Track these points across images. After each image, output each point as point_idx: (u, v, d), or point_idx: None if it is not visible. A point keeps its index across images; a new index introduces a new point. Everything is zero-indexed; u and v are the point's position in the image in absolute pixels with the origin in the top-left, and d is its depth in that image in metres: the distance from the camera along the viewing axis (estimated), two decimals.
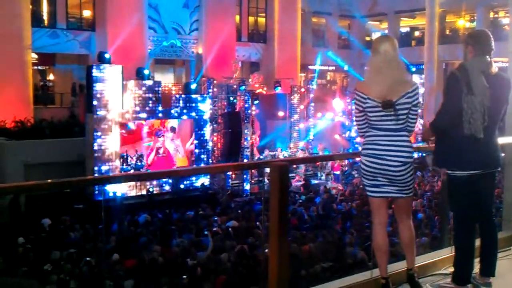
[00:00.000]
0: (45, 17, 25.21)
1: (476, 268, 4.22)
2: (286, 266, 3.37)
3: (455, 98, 3.94)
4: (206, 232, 12.34)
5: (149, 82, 19.21)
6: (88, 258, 10.69)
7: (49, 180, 3.14)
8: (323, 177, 23.72)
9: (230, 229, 13.51)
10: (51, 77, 27.82)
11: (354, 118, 4.08)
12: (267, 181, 3.85)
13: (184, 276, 9.27)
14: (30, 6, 22.63)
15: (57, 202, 15.28)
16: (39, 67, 27.01)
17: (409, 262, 4.09)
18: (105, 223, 13.80)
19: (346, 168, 23.87)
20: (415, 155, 4.06)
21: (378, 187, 3.96)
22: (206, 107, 20.25)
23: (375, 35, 38.26)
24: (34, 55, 24.20)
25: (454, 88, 3.98)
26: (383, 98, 3.84)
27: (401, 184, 3.93)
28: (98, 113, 17.61)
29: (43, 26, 24.54)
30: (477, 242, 4.21)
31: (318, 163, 23.40)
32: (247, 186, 21.04)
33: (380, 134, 3.92)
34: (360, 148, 4.14)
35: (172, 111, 19.60)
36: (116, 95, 17.92)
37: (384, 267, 4.04)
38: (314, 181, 22.70)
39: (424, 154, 21.39)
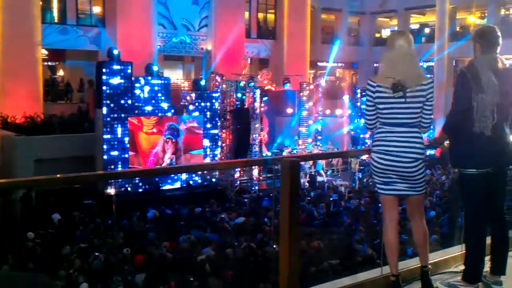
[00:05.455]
0: (55, 13, 25.31)
1: (487, 266, 4.20)
2: (297, 263, 3.36)
3: (465, 97, 3.92)
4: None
5: (158, 78, 19.28)
6: (97, 253, 10.73)
7: (58, 175, 3.14)
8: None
9: (235, 225, 13.55)
10: (61, 73, 27.95)
11: (364, 112, 4.01)
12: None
13: (192, 279, 9.27)
14: (40, 3, 22.71)
15: (66, 198, 15.39)
16: (49, 63, 27.14)
17: (423, 259, 4.07)
18: (114, 218, 13.86)
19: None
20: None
21: (390, 185, 3.94)
22: (215, 103, 20.35)
23: (385, 32, 38.19)
24: (44, 51, 24.32)
25: (464, 87, 3.96)
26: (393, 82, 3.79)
27: (413, 181, 3.90)
28: (107, 108, 17.70)
29: (53, 22, 24.64)
30: (488, 240, 4.18)
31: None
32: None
33: (391, 130, 3.88)
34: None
35: (182, 107, 19.69)
36: (125, 91, 17.99)
37: (394, 265, 4.03)
38: (320, 178, 22.71)
39: (432, 152, 21.35)
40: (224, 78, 22.35)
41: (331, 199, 17.32)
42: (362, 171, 22.73)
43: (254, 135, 21.95)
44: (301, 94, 24.90)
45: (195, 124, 19.97)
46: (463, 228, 4.32)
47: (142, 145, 18.74)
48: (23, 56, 21.22)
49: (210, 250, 11.14)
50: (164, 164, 18.78)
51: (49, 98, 24.30)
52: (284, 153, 22.78)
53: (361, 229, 12.76)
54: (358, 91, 26.52)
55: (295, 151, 23.71)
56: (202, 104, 20.06)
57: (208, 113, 20.18)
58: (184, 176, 19.20)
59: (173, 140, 19.28)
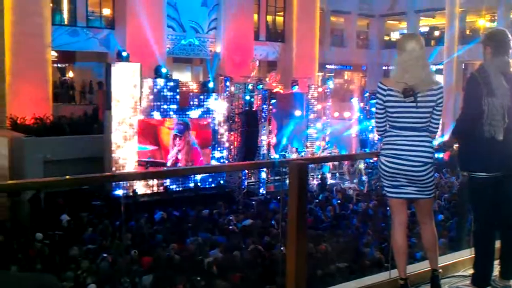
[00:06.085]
0: (65, 15, 25.47)
1: (496, 270, 4.17)
2: (304, 266, 3.36)
3: (476, 100, 3.89)
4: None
5: (167, 80, 19.36)
6: (105, 255, 10.77)
7: (67, 177, 3.14)
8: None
9: (242, 227, 13.55)
10: (70, 74, 28.09)
11: (374, 116, 3.99)
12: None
13: (198, 278, 9.28)
14: (51, 4, 22.86)
15: (75, 199, 15.45)
16: (59, 65, 27.29)
17: (433, 263, 4.04)
18: (122, 220, 13.91)
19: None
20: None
21: (398, 188, 3.91)
22: (222, 106, 20.40)
23: (394, 34, 38.07)
24: (54, 53, 24.45)
25: (474, 91, 3.93)
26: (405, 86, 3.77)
27: (422, 185, 3.88)
28: (116, 110, 17.76)
29: (63, 24, 24.80)
30: (497, 244, 4.15)
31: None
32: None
33: (401, 134, 3.86)
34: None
35: (190, 109, 19.77)
36: (134, 93, 18.06)
37: (403, 268, 4.00)
38: (331, 181, 22.65)
39: (441, 156, 21.22)
40: (232, 80, 22.38)
41: (334, 202, 17.22)
42: (370, 174, 22.67)
43: (262, 138, 21.94)
44: (310, 96, 24.88)
45: (210, 120, 20.27)
46: (472, 232, 4.29)
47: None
48: (33, 57, 21.34)
49: (217, 252, 11.16)
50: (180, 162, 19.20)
51: (59, 99, 24.43)
52: (293, 156, 22.73)
53: (369, 232, 12.72)
54: (367, 94, 26.43)
55: (302, 154, 23.68)
56: (210, 106, 20.11)
57: (216, 115, 20.22)
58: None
59: (180, 136, 19.41)
